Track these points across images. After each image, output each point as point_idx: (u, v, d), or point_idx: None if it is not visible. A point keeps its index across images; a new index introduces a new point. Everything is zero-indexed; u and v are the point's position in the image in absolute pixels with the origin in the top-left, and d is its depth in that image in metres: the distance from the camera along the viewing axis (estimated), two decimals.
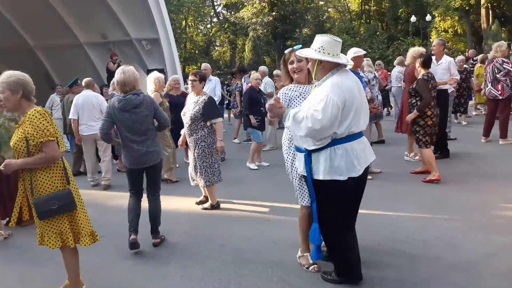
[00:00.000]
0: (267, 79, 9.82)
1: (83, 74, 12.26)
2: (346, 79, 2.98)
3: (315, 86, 3.11)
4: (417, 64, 6.05)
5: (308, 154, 3.05)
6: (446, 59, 7.43)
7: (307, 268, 3.53)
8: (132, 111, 4.06)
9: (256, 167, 7.57)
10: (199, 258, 3.95)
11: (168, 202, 5.45)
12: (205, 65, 8.60)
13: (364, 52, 6.25)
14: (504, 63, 7.80)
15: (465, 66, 10.24)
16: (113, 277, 3.71)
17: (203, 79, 5.42)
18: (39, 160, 2.95)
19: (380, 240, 4.03)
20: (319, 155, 3.00)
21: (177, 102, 6.95)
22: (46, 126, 2.94)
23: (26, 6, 13.92)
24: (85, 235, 3.19)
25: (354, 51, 5.96)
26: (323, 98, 2.85)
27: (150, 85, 6.72)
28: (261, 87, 9.26)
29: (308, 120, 2.84)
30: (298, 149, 3.21)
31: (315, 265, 3.51)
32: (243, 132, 10.71)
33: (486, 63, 8.32)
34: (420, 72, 5.98)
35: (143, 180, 4.34)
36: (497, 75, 7.79)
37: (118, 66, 11.96)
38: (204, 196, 5.68)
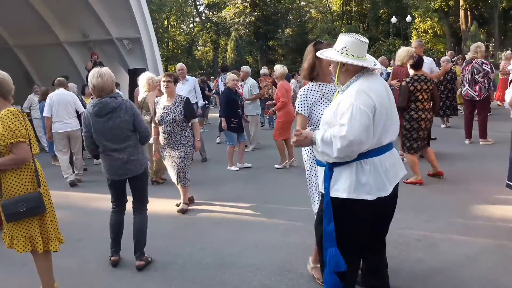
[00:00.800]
0: (251, 80, 9.61)
1: (63, 73, 12.09)
2: (374, 83, 2.62)
3: (338, 92, 2.77)
4: (408, 66, 6.02)
5: (330, 168, 2.64)
6: (427, 59, 7.62)
7: (321, 283, 3.13)
8: (109, 115, 3.60)
9: (237, 169, 7.52)
10: (179, 262, 3.88)
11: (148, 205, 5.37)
12: (180, 65, 8.37)
13: None
14: (483, 64, 7.85)
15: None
16: (90, 282, 3.62)
17: (176, 80, 5.52)
18: (8, 161, 2.85)
19: None
20: (342, 169, 2.59)
21: None
22: (18, 127, 2.85)
23: (4, 4, 13.59)
24: (54, 239, 3.12)
25: None
26: (348, 108, 2.47)
27: (142, 85, 6.62)
28: (245, 90, 9.18)
29: (336, 139, 2.46)
30: (319, 163, 2.82)
31: None
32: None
33: (464, 63, 8.34)
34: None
35: (126, 191, 3.91)
36: (476, 76, 7.82)
37: (95, 64, 11.86)
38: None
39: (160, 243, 4.34)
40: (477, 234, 4.11)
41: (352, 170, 2.55)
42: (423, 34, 40.06)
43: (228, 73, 8.83)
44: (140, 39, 14.10)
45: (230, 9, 36.80)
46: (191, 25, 52.25)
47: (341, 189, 2.57)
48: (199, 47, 51.37)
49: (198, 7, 49.62)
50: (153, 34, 14.53)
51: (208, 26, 44.88)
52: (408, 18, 35.06)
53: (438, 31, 39.55)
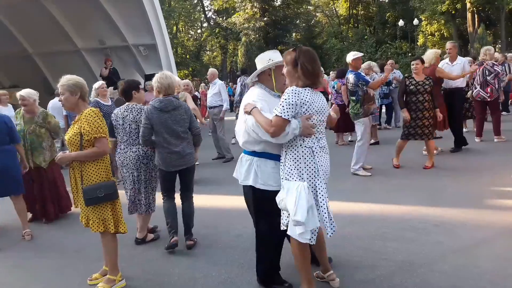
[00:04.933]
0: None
1: None
2: None
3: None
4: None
5: None
6: (460, 59, 7.93)
7: None
8: (172, 112, 4.17)
9: None
10: (220, 246, 4.28)
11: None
12: (209, 70, 8.93)
13: (362, 54, 6.72)
14: (494, 66, 8.14)
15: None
16: (143, 264, 4.02)
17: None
18: (91, 153, 3.30)
19: (385, 228, 4.39)
20: None
21: None
22: (100, 124, 3.31)
23: (24, 13, 14.15)
24: (123, 222, 3.55)
25: (354, 53, 6.63)
26: None
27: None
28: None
29: None
30: None
31: None
32: None
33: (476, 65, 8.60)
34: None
35: (175, 181, 4.43)
36: (488, 78, 8.08)
37: (110, 71, 12.28)
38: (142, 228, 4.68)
39: (199, 231, 4.71)
40: (490, 221, 4.45)
41: None
42: (430, 36, 40.26)
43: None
44: (155, 45, 14.56)
45: (239, 15, 37.27)
46: (199, 31, 52.88)
47: None
48: (207, 52, 51.92)
49: (207, 12, 50.29)
50: (168, 40, 14.99)
51: (216, 31, 45.42)
52: (415, 21, 35.28)
53: (445, 33, 39.65)
